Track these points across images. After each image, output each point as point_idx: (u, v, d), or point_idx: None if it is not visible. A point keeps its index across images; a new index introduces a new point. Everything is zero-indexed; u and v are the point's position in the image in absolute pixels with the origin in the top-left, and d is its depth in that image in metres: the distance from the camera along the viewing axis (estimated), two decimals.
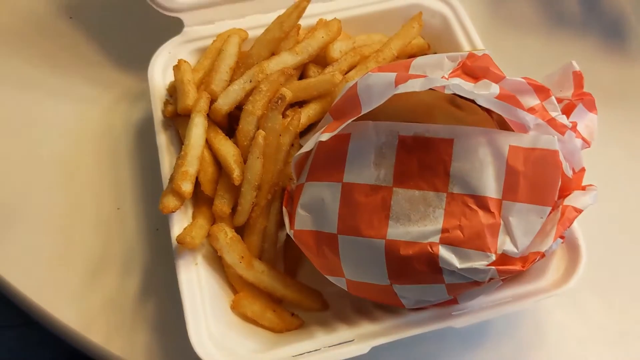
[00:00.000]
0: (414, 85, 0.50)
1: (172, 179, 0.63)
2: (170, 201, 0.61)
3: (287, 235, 0.68)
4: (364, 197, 0.55)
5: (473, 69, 0.55)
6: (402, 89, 0.50)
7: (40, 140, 0.81)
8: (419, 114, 0.55)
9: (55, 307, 0.68)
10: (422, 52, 0.78)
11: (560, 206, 0.53)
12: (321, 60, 0.72)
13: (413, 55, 0.76)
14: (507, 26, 0.89)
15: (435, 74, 0.56)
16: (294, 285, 0.65)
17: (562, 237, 0.53)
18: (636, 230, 0.74)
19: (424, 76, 0.51)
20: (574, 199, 0.54)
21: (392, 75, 0.52)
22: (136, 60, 0.80)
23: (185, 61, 0.71)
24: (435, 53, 0.78)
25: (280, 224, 0.67)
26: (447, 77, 0.55)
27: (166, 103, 0.71)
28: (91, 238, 0.73)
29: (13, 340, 1.26)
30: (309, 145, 0.57)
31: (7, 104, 0.84)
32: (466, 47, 0.75)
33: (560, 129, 0.54)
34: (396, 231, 0.53)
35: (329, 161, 0.57)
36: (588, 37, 0.89)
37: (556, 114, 0.55)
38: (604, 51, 0.87)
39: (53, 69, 0.87)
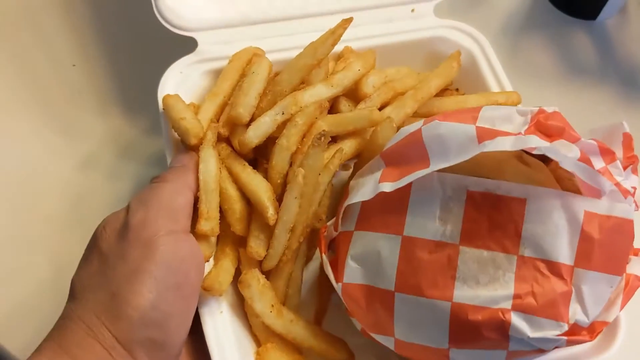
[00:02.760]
0: (503, 144, 0.47)
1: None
2: (202, 250, 0.56)
3: (320, 281, 0.64)
4: (428, 254, 0.51)
5: (547, 127, 0.53)
6: (490, 147, 0.47)
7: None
8: (487, 169, 0.52)
9: None
10: (446, 87, 0.75)
11: (624, 274, 0.52)
12: (351, 93, 0.68)
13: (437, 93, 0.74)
14: (523, 75, 0.88)
15: (506, 127, 0.53)
16: (322, 335, 0.60)
17: None
18: None
19: (513, 134, 0.48)
20: (635, 267, 0.53)
21: (472, 129, 0.49)
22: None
23: (170, 95, 0.64)
24: (458, 90, 0.76)
25: (304, 268, 0.63)
26: (523, 132, 0.52)
27: None
28: None
29: None
30: (365, 193, 0.53)
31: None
32: (494, 88, 0.73)
33: (625, 194, 0.53)
34: (463, 294, 0.50)
35: (387, 210, 0.53)
36: (605, 86, 0.89)
37: (621, 178, 0.54)
38: (622, 100, 0.88)
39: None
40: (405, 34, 0.76)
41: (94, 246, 0.53)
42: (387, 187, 0.52)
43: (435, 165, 0.50)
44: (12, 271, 0.70)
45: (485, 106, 0.55)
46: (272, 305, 0.57)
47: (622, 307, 0.51)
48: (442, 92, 0.75)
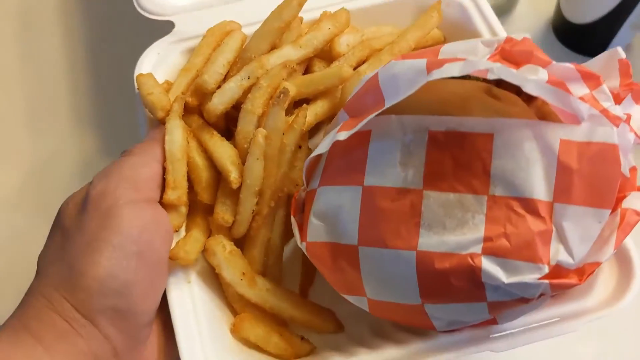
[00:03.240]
0: (451, 70, 0.42)
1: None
2: (172, 219, 0.54)
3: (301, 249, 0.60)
4: (389, 203, 0.47)
5: (513, 53, 0.48)
6: (437, 74, 0.42)
7: None
8: (451, 107, 0.48)
9: None
10: (438, 44, 0.70)
11: (619, 209, 0.46)
12: (326, 55, 0.65)
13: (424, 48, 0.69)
14: None
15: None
16: (304, 305, 0.57)
17: None
18: None
19: (463, 59, 0.43)
20: (634, 201, 0.46)
21: (423, 62, 0.45)
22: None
23: (143, 74, 0.62)
24: None
25: (286, 236, 0.60)
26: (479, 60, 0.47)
27: None
28: None
29: None
30: (323, 146, 0.49)
31: None
32: (487, 37, 0.68)
33: (614, 121, 0.46)
34: (429, 241, 0.45)
35: (347, 162, 0.50)
36: None
37: (609, 104, 0.48)
38: None
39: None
40: None
41: (57, 223, 0.52)
42: (342, 135, 0.48)
43: (388, 104, 0.46)
44: None
45: (448, 43, 0.50)
46: (243, 274, 0.55)
47: (617, 245, 0.45)
48: None
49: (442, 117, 0.47)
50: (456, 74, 0.43)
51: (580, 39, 0.92)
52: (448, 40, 0.71)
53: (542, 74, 0.45)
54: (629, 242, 0.53)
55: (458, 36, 0.70)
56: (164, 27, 0.70)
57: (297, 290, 0.60)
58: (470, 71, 0.43)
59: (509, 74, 0.43)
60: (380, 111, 0.46)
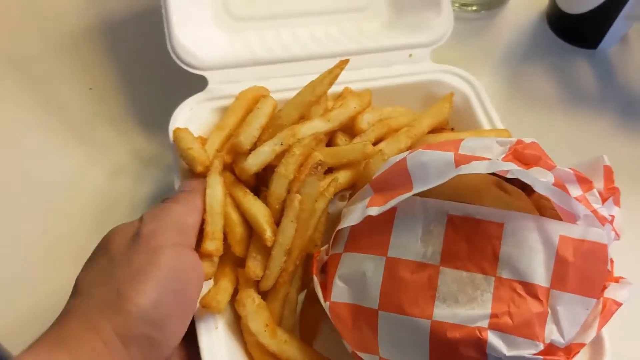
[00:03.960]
0: (477, 168, 0.50)
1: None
2: (206, 267, 0.59)
3: (305, 302, 0.66)
4: (410, 274, 0.54)
5: (524, 155, 0.56)
6: (466, 170, 0.50)
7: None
8: (467, 195, 0.56)
9: None
10: (441, 127, 0.79)
11: (601, 298, 0.54)
12: (348, 129, 0.72)
13: (433, 131, 0.77)
14: (525, 102, 0.91)
15: (485, 156, 0.57)
16: (314, 356, 0.63)
17: None
18: None
19: (487, 158, 0.51)
20: (612, 292, 0.55)
21: (450, 155, 0.52)
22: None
23: (180, 128, 0.68)
24: (453, 129, 0.80)
25: (300, 291, 0.66)
26: (499, 160, 0.55)
27: None
28: None
29: None
30: (354, 218, 0.56)
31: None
32: (486, 126, 0.76)
33: (602, 221, 0.55)
34: (443, 312, 0.52)
35: (372, 233, 0.57)
36: (606, 115, 0.91)
37: (598, 206, 0.57)
38: (623, 128, 0.90)
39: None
40: (402, 77, 0.80)
41: (102, 249, 0.57)
42: (374, 211, 0.55)
43: (417, 189, 0.54)
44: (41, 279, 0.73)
45: (467, 138, 0.58)
46: (267, 325, 0.60)
47: (598, 329, 0.53)
48: (439, 131, 0.79)
49: (461, 204, 0.55)
50: (483, 171, 0.50)
51: (574, 30, 0.94)
52: (450, 123, 0.80)
53: (550, 177, 0.53)
54: None
55: (461, 121, 0.79)
56: (192, 79, 0.76)
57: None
58: (494, 170, 0.51)
59: (525, 175, 0.51)
60: (410, 194, 0.54)
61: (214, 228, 0.61)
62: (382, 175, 0.59)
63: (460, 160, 0.51)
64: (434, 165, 0.53)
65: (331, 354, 0.64)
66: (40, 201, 0.79)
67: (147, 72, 0.90)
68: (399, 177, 0.56)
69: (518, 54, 0.98)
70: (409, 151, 0.58)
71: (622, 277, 0.57)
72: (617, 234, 0.59)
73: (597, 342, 0.61)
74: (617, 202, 0.61)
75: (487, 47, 0.97)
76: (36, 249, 0.75)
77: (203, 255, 0.60)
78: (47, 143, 0.84)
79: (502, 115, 0.77)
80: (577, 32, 0.96)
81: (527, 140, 0.58)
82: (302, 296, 0.67)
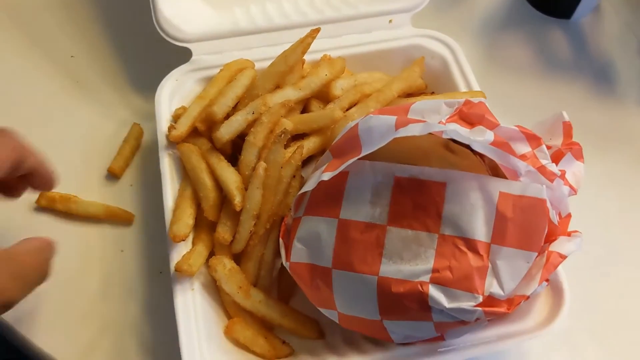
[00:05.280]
0: (413, 130, 0.52)
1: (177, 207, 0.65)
2: (180, 229, 0.64)
3: (282, 264, 0.70)
4: (359, 234, 0.57)
5: (469, 115, 0.58)
6: (402, 132, 0.52)
7: None
8: (415, 157, 0.58)
9: (49, 340, 0.68)
10: (420, 91, 0.80)
11: (546, 251, 0.55)
12: (324, 95, 0.75)
13: (411, 95, 0.79)
14: (501, 70, 0.94)
15: (433, 118, 0.59)
16: (291, 314, 0.66)
17: (547, 281, 0.56)
18: (629, 272, 0.77)
19: (423, 121, 0.53)
20: (559, 245, 0.56)
21: (393, 119, 0.55)
22: (146, 85, 0.83)
23: (185, 145, 0.71)
24: (433, 93, 0.81)
25: (277, 253, 0.69)
26: (444, 122, 0.57)
27: (171, 128, 0.72)
28: (93, 281, 0.73)
29: None
30: (311, 184, 0.60)
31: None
32: (463, 89, 0.77)
33: (550, 176, 0.57)
34: (388, 269, 0.55)
35: (327, 197, 0.60)
36: (579, 81, 0.93)
37: (546, 161, 0.58)
38: (595, 94, 0.92)
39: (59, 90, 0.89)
40: (382, 43, 0.82)
41: None
42: (327, 176, 0.58)
43: (364, 152, 0.56)
44: None
45: (418, 101, 0.60)
46: (240, 287, 0.64)
47: (540, 281, 0.54)
48: (418, 95, 0.80)
49: (406, 166, 0.57)
50: (417, 133, 0.53)
51: (549, 1, 0.97)
52: (430, 87, 0.81)
53: (489, 136, 0.54)
54: (562, 275, 0.62)
55: (439, 85, 0.81)
56: (177, 47, 0.80)
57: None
58: (428, 132, 0.53)
59: (459, 135, 0.53)
60: (357, 158, 0.56)
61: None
62: (339, 140, 0.61)
63: (400, 124, 0.54)
64: (378, 129, 0.56)
65: (307, 310, 0.68)
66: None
67: (134, 37, 0.94)
68: (351, 141, 0.59)
69: (495, 23, 1.00)
70: (362, 117, 0.60)
71: (575, 231, 0.59)
72: (572, 188, 0.60)
73: (557, 292, 0.62)
74: (578, 157, 0.62)
75: (464, 16, 0.99)
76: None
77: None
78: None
79: (479, 82, 0.78)
80: (551, 2, 0.98)
81: (475, 100, 0.59)
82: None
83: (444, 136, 0.53)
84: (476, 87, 0.77)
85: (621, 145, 0.88)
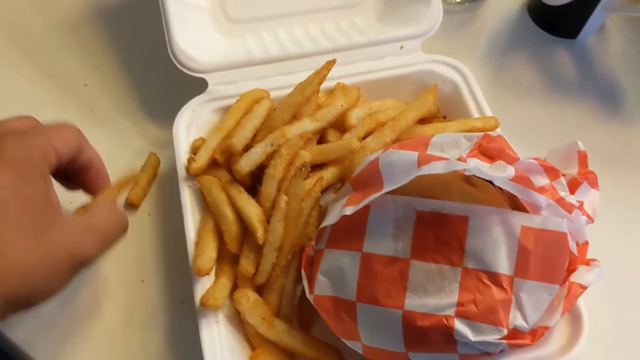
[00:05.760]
0: (436, 168, 0.53)
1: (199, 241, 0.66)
2: (204, 263, 0.65)
3: (302, 292, 0.71)
4: (382, 268, 0.58)
5: (489, 149, 0.59)
6: (425, 170, 0.54)
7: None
8: (435, 191, 0.59)
9: None
10: (432, 116, 0.82)
11: (567, 282, 0.57)
12: (340, 125, 0.76)
13: (424, 120, 0.80)
14: (508, 92, 0.95)
15: (453, 152, 0.60)
16: (313, 343, 0.67)
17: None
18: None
19: (446, 158, 0.54)
20: (579, 276, 0.57)
21: (414, 155, 0.56)
22: (161, 114, 0.84)
23: (205, 177, 0.72)
24: (445, 117, 0.83)
25: (297, 281, 0.70)
26: (465, 156, 0.58)
27: (190, 160, 0.73)
28: (114, 312, 0.74)
29: None
30: (333, 217, 0.61)
31: None
32: (475, 114, 0.79)
33: (569, 207, 0.58)
34: (413, 302, 0.56)
35: (349, 230, 0.61)
36: (585, 102, 0.94)
37: (564, 193, 0.59)
38: (601, 114, 0.93)
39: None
40: (394, 70, 0.83)
41: None
42: (349, 210, 0.59)
43: (387, 188, 0.57)
44: None
45: (437, 134, 0.61)
46: (264, 319, 0.65)
47: (563, 313, 0.55)
48: (430, 120, 0.81)
49: (428, 200, 0.58)
50: (440, 171, 0.54)
51: (554, 21, 0.99)
52: (442, 111, 0.82)
53: (510, 171, 0.55)
54: (581, 302, 0.63)
55: (451, 109, 0.82)
56: (193, 77, 0.81)
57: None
58: (451, 170, 0.54)
59: (481, 172, 0.54)
60: (379, 193, 0.57)
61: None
62: (360, 174, 0.62)
63: (422, 161, 0.55)
64: (399, 165, 0.57)
65: (328, 339, 0.69)
66: None
67: (150, 67, 0.95)
68: (372, 175, 0.60)
69: (501, 44, 1.01)
70: (382, 150, 0.61)
71: (593, 260, 0.60)
72: (589, 217, 0.61)
73: (576, 321, 0.63)
74: (593, 185, 0.63)
75: (471, 39, 1.01)
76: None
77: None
78: None
79: (487, 104, 0.79)
80: (557, 23, 0.99)
81: (494, 133, 0.60)
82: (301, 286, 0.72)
83: (467, 173, 0.54)
84: (488, 112, 0.78)
85: (629, 166, 0.89)
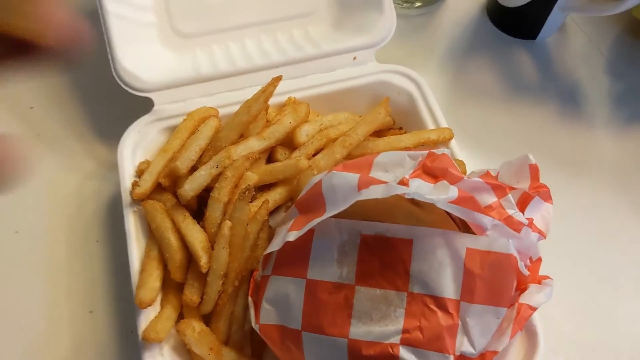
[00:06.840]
0: (375, 192, 0.51)
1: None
2: (146, 294, 0.62)
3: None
4: (327, 295, 0.56)
5: (433, 169, 0.57)
6: (365, 194, 0.51)
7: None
8: (380, 213, 0.57)
9: None
10: (388, 127, 0.80)
11: (517, 304, 0.55)
12: (289, 142, 0.74)
13: (379, 132, 0.78)
14: (468, 96, 0.93)
15: (397, 172, 0.58)
16: None
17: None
18: (603, 300, 0.77)
19: (385, 182, 0.52)
20: (529, 296, 0.55)
21: (355, 178, 0.54)
22: (111, 134, 0.81)
23: (150, 202, 0.69)
24: (401, 129, 0.81)
25: (247, 307, 0.68)
26: (408, 177, 0.56)
27: (134, 185, 0.71)
28: (61, 346, 0.71)
29: None
30: (277, 243, 0.58)
31: None
32: (430, 125, 0.77)
33: (517, 226, 0.56)
34: (358, 330, 0.54)
35: (294, 256, 0.58)
36: (546, 103, 0.93)
37: (513, 211, 0.57)
38: (563, 116, 0.92)
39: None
40: (347, 81, 0.81)
41: None
42: (292, 235, 0.57)
43: (328, 212, 0.55)
44: None
45: (382, 153, 0.59)
46: (211, 349, 0.63)
47: (512, 335, 0.54)
48: (386, 132, 0.79)
49: (372, 223, 0.56)
50: (379, 196, 0.52)
51: (513, 22, 0.98)
52: (397, 122, 0.80)
53: (452, 192, 0.53)
54: (536, 319, 0.62)
55: (407, 120, 0.80)
56: (138, 97, 0.78)
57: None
58: (389, 194, 0.51)
59: (421, 197, 0.52)
60: (321, 218, 0.55)
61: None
62: (305, 196, 0.60)
63: (362, 184, 0.53)
64: (340, 189, 0.54)
65: None
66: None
67: (99, 85, 0.91)
68: (316, 199, 0.57)
69: (460, 47, 0.99)
70: (326, 172, 0.59)
71: (545, 277, 0.58)
72: (541, 233, 0.59)
73: (531, 336, 0.62)
74: (546, 199, 0.61)
75: (430, 43, 0.99)
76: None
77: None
78: None
79: (446, 109, 0.78)
80: (516, 24, 0.98)
81: (439, 151, 0.58)
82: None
83: (407, 197, 0.52)
84: (443, 122, 0.76)
85: (590, 168, 0.87)
